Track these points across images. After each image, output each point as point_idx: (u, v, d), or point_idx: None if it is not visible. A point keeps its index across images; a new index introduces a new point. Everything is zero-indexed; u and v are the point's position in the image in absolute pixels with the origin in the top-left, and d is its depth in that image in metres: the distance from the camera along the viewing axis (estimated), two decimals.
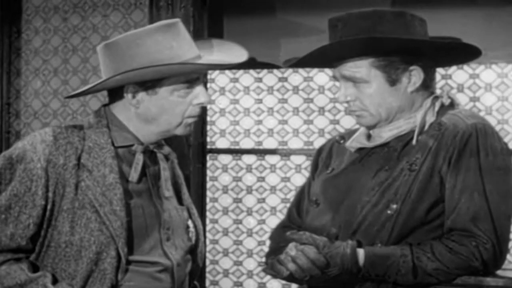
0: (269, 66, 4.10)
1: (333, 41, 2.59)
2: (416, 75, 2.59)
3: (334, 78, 2.67)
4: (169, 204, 2.56)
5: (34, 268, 2.42)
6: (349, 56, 2.56)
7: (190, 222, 2.62)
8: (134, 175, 2.48)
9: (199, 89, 2.49)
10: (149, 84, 2.45)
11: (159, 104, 2.47)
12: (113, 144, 2.49)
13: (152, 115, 2.48)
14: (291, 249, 2.47)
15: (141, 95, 2.47)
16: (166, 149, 2.59)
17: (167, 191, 2.54)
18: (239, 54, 2.58)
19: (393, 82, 2.58)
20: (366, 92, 2.58)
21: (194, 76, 2.47)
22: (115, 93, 2.52)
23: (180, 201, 2.64)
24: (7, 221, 2.40)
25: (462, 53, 2.70)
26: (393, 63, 2.57)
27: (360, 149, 2.66)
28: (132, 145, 2.50)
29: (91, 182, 2.42)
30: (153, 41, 2.44)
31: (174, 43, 2.45)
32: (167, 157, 2.59)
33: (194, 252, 2.63)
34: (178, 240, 2.54)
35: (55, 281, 2.39)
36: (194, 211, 2.66)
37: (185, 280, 2.59)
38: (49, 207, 2.40)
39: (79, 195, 2.41)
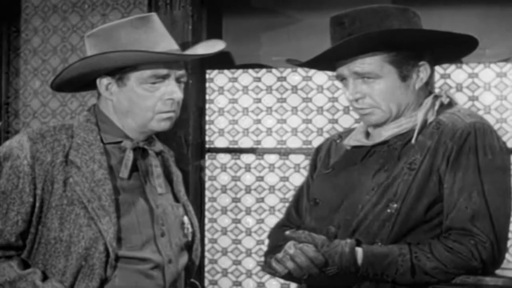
0: (268, 65, 4.10)
1: (339, 38, 2.58)
2: (423, 71, 2.60)
3: (338, 77, 2.65)
4: (164, 200, 2.56)
5: (25, 265, 2.44)
6: (361, 52, 2.56)
7: (186, 219, 2.62)
8: (124, 171, 2.49)
9: (168, 84, 2.50)
10: (118, 76, 2.49)
11: (128, 97, 2.50)
12: (102, 141, 2.50)
13: (125, 107, 2.51)
14: (290, 248, 2.47)
15: (114, 87, 2.51)
16: (158, 146, 2.60)
17: (160, 187, 2.55)
18: (211, 46, 2.61)
19: (404, 77, 2.58)
20: (377, 88, 2.57)
21: (163, 72, 2.48)
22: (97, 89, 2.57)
23: (176, 198, 2.64)
24: None
25: (461, 45, 2.69)
26: (404, 58, 2.57)
27: (358, 147, 2.66)
28: (121, 142, 2.51)
29: (79, 178, 2.43)
30: (124, 33, 2.48)
31: (145, 35, 2.48)
32: (158, 154, 2.60)
33: (190, 249, 2.63)
34: (173, 236, 2.55)
35: (45, 278, 2.41)
36: (190, 208, 2.66)
37: (180, 277, 2.59)
38: (37, 204, 2.43)
39: (68, 191, 2.42)
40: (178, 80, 2.52)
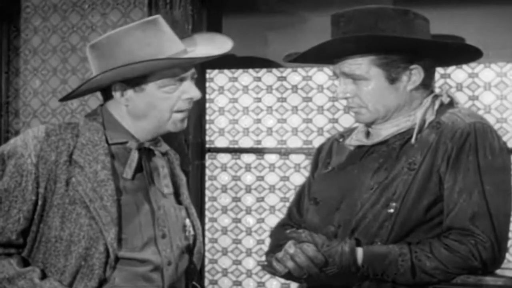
0: (268, 65, 4.10)
1: (335, 37, 2.60)
2: (416, 74, 2.59)
3: (334, 74, 2.67)
4: (167, 202, 2.56)
5: (25, 263, 2.44)
6: (350, 53, 2.56)
7: (187, 221, 2.62)
8: (128, 172, 2.49)
9: (187, 84, 2.50)
10: (135, 81, 2.47)
11: (147, 101, 2.49)
12: (107, 142, 2.50)
13: (142, 111, 2.50)
14: (290, 247, 2.47)
15: (129, 93, 2.49)
16: (164, 147, 2.60)
17: (166, 188, 2.55)
18: (222, 45, 2.60)
19: (392, 80, 2.58)
20: (364, 89, 2.58)
21: (182, 75, 2.48)
22: (106, 94, 2.55)
23: (178, 200, 2.64)
24: None
25: (463, 53, 2.70)
26: (393, 61, 2.57)
27: (359, 147, 2.67)
28: (126, 142, 2.51)
29: (82, 178, 2.43)
30: (134, 39, 2.46)
31: (155, 39, 2.47)
32: (164, 155, 2.60)
33: (191, 252, 2.63)
34: (174, 238, 2.54)
35: (44, 276, 2.40)
36: (193, 211, 2.66)
37: (181, 280, 2.58)
38: (40, 202, 2.42)
39: (70, 190, 2.42)
40: (192, 78, 2.53)
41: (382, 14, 2.57)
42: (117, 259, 2.42)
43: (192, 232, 2.62)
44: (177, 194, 2.64)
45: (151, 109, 2.49)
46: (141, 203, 2.51)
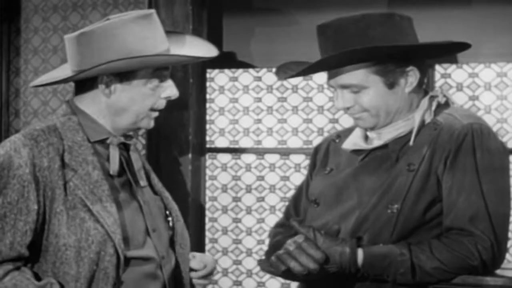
0: (269, 64, 4.10)
1: (323, 48, 2.58)
2: (412, 76, 2.59)
3: (330, 87, 2.66)
4: (147, 194, 2.55)
5: (34, 275, 2.37)
6: (344, 65, 2.55)
7: (167, 212, 2.60)
8: (114, 168, 2.47)
9: (168, 82, 2.50)
10: (124, 75, 2.45)
11: (130, 96, 2.47)
12: (89, 141, 2.47)
13: (123, 105, 2.47)
14: (290, 245, 2.47)
15: (115, 85, 2.46)
16: (134, 140, 2.58)
17: (142, 180, 2.53)
18: (210, 49, 2.60)
19: (391, 85, 2.57)
20: (364, 98, 2.57)
21: (164, 72, 2.48)
22: (84, 85, 2.50)
23: (153, 190, 2.62)
24: (4, 230, 2.35)
25: (452, 48, 2.72)
26: (390, 66, 2.56)
27: (357, 150, 2.66)
28: (106, 139, 2.49)
29: (78, 181, 2.39)
30: (130, 32, 2.43)
31: (150, 34, 2.45)
32: (136, 147, 2.59)
33: (174, 238, 2.59)
34: (163, 231, 2.54)
35: (62, 286, 2.35)
36: (167, 194, 2.64)
37: (180, 272, 2.56)
38: (41, 211, 2.37)
39: (69, 195, 2.38)
40: (170, 77, 2.53)
41: (370, 21, 2.55)
42: (126, 259, 2.41)
43: (171, 223, 2.60)
44: (150, 183, 2.62)
45: (132, 105, 2.47)
46: (130, 198, 2.49)
